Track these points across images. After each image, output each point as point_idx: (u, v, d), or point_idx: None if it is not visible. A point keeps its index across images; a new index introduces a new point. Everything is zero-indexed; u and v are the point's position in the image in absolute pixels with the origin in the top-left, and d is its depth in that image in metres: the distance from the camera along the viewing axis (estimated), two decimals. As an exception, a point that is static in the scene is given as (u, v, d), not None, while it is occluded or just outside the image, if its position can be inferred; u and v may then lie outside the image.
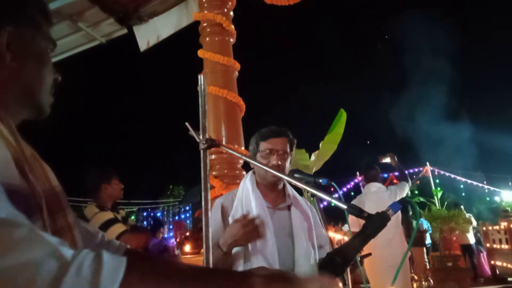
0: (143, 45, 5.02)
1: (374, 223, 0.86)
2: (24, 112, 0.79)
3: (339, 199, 0.96)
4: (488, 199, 17.07)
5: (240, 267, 1.56)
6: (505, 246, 7.99)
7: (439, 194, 10.91)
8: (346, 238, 7.55)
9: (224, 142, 3.80)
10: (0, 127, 0.65)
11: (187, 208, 26.87)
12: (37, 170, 0.70)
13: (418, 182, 13.81)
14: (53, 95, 0.84)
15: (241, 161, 3.92)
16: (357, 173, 14.76)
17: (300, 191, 2.81)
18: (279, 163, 1.70)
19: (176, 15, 4.83)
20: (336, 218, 10.71)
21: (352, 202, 4.50)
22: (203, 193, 1.21)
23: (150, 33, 4.97)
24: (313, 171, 6.28)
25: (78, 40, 4.94)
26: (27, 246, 0.50)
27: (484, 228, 8.74)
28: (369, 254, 2.19)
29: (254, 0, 4.46)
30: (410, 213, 6.38)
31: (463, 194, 15.94)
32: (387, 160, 4.13)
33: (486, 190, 16.22)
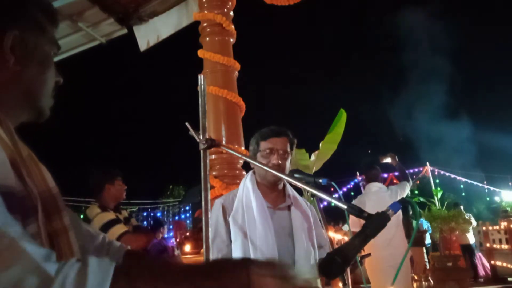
0: (143, 45, 5.02)
1: (374, 223, 0.86)
2: (24, 114, 0.79)
3: (339, 199, 0.96)
4: (488, 199, 17.06)
5: None
6: (505, 246, 7.99)
7: (439, 194, 10.90)
8: (346, 238, 7.55)
9: (224, 142, 3.80)
10: None
11: (187, 208, 26.83)
12: (34, 172, 0.69)
13: (418, 182, 13.80)
14: (54, 97, 0.84)
15: (241, 161, 3.92)
16: (357, 173, 14.77)
17: (300, 191, 2.81)
18: (280, 162, 1.70)
19: (176, 15, 4.83)
20: (336, 218, 10.71)
21: (353, 202, 4.51)
22: (203, 193, 1.21)
23: (150, 33, 4.97)
24: (313, 171, 6.27)
25: (78, 40, 4.94)
26: (6, 261, 0.48)
27: (484, 228, 8.74)
28: (369, 254, 2.19)
29: (254, 0, 4.47)
30: (411, 213, 6.38)
31: (463, 194, 15.93)
32: (388, 160, 4.13)
33: (486, 190, 16.22)
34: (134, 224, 3.09)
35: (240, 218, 1.68)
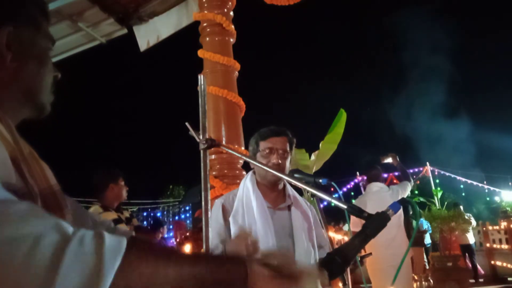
0: (143, 45, 5.02)
1: (374, 223, 0.86)
2: (25, 111, 0.79)
3: (339, 199, 0.96)
4: (488, 199, 17.05)
5: None
6: (505, 246, 8.01)
7: (439, 194, 10.91)
8: (346, 238, 7.55)
9: (224, 142, 3.80)
10: None
11: (187, 208, 26.83)
12: (35, 169, 0.69)
13: (418, 182, 13.80)
14: (54, 93, 0.84)
15: (241, 161, 3.92)
16: (357, 173, 14.77)
17: (300, 191, 2.81)
18: (280, 162, 1.71)
19: (176, 15, 4.82)
20: (336, 218, 10.71)
21: (354, 202, 4.51)
22: (203, 193, 1.21)
23: (150, 33, 4.97)
24: (313, 171, 6.27)
25: (78, 40, 4.94)
26: (28, 219, 0.51)
27: (484, 228, 8.74)
28: (369, 254, 2.20)
29: (254, 0, 4.47)
30: (411, 213, 6.38)
31: (463, 194, 15.93)
32: (389, 160, 4.13)
33: (486, 190, 16.21)
34: (135, 225, 3.11)
35: (240, 218, 1.68)
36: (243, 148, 3.89)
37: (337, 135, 6.12)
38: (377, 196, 3.84)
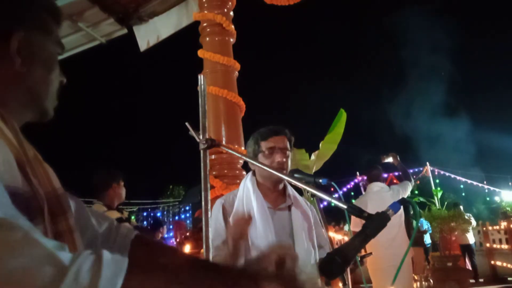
0: (143, 45, 5.02)
1: (374, 223, 0.86)
2: (29, 114, 0.79)
3: (339, 199, 0.96)
4: (488, 199, 17.06)
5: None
6: (505, 246, 8.01)
7: (439, 194, 10.91)
8: (346, 238, 7.55)
9: (224, 142, 3.80)
10: (3, 129, 0.65)
11: (187, 208, 26.86)
12: (39, 172, 0.69)
13: (418, 182, 13.81)
14: (58, 98, 0.84)
15: (241, 161, 3.92)
16: (357, 173, 14.77)
17: (300, 191, 2.81)
18: (284, 160, 1.71)
19: (176, 15, 4.83)
20: (336, 218, 10.72)
21: (354, 202, 4.49)
22: (203, 193, 1.21)
23: (150, 33, 4.97)
24: (313, 171, 6.27)
25: (78, 40, 4.95)
26: (21, 250, 0.48)
27: (484, 228, 8.74)
28: (369, 254, 2.20)
29: (254, 0, 4.47)
30: (411, 212, 6.38)
31: (463, 194, 15.94)
32: (390, 159, 4.12)
33: (486, 190, 16.21)
34: (134, 225, 3.13)
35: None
36: (243, 148, 3.89)
37: (337, 135, 6.11)
38: (378, 196, 3.84)
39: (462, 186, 15.87)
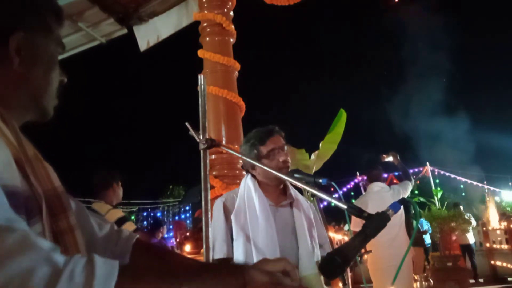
0: (143, 45, 5.02)
1: (374, 223, 0.86)
2: (29, 114, 0.79)
3: (339, 199, 0.96)
4: (488, 199, 17.05)
5: None
6: (505, 246, 8.00)
7: (439, 194, 10.92)
8: (346, 238, 7.55)
9: (224, 142, 3.80)
10: (3, 128, 0.65)
11: (187, 208, 26.88)
12: (39, 171, 0.70)
13: (418, 182, 13.81)
14: (58, 97, 0.84)
15: (241, 161, 3.92)
16: (357, 173, 14.77)
17: (300, 191, 2.81)
18: (287, 157, 1.73)
19: (176, 15, 4.83)
20: (336, 218, 10.71)
21: (355, 202, 4.49)
22: (203, 193, 1.21)
23: (150, 33, 4.97)
24: (313, 171, 6.27)
25: (78, 40, 4.95)
26: (19, 253, 0.50)
27: (484, 228, 8.74)
28: (369, 251, 2.20)
29: (254, 0, 4.47)
30: (412, 212, 6.38)
31: (463, 194, 15.94)
32: (390, 159, 4.12)
33: (486, 190, 16.21)
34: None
35: (242, 216, 1.68)
36: (243, 148, 3.89)
37: (337, 135, 6.11)
38: (379, 196, 3.83)
39: (462, 186, 15.88)
